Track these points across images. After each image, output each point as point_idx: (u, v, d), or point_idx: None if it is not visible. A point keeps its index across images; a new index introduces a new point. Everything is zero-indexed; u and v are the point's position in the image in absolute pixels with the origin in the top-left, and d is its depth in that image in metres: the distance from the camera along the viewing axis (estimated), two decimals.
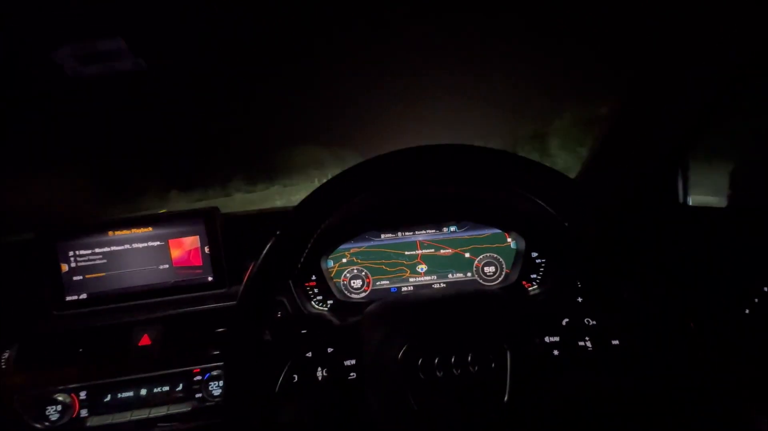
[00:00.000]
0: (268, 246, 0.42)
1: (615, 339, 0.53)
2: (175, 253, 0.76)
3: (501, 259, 0.85)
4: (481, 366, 0.46)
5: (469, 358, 0.47)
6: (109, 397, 0.70)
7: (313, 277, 0.81)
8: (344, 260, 0.84)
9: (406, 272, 0.85)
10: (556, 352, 0.53)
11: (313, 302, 0.80)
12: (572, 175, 0.90)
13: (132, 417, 0.70)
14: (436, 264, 0.85)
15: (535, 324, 0.55)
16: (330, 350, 0.51)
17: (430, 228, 0.85)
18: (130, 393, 0.71)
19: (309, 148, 0.99)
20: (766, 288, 0.64)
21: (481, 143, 0.46)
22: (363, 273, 0.84)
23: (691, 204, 0.81)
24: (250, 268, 0.44)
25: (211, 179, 1.02)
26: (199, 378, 0.71)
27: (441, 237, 0.85)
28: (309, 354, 0.50)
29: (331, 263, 0.84)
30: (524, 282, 0.82)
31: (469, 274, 0.86)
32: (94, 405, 0.70)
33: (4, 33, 0.64)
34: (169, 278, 0.76)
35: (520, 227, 0.83)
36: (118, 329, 0.72)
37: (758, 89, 0.69)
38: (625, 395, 0.53)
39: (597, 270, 0.59)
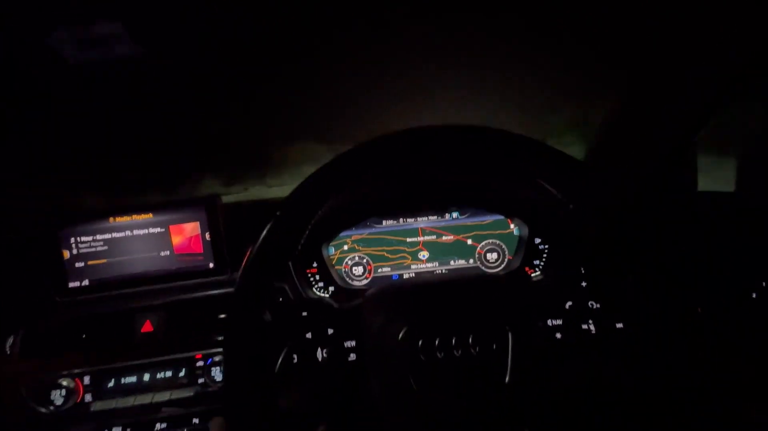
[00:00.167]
0: (267, 226, 0.42)
1: (619, 323, 0.53)
2: (176, 240, 0.76)
3: (503, 246, 0.85)
4: (483, 347, 0.46)
5: (470, 340, 0.46)
6: (112, 382, 0.71)
7: (315, 264, 0.81)
8: (345, 247, 0.84)
9: (408, 259, 0.85)
10: (558, 335, 0.53)
11: (314, 289, 0.80)
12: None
13: (135, 402, 0.70)
14: (438, 251, 0.85)
15: (537, 307, 0.54)
16: (330, 331, 0.51)
17: (432, 215, 0.84)
18: (134, 379, 0.71)
19: (312, 145, 0.99)
20: (765, 283, 0.63)
21: None
22: (364, 261, 0.84)
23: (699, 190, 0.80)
24: (249, 250, 0.44)
25: (213, 173, 1.02)
26: (201, 363, 0.72)
27: (443, 223, 0.85)
28: (309, 335, 0.50)
29: (332, 250, 0.83)
30: (527, 269, 0.82)
31: (471, 261, 0.85)
32: (98, 389, 0.70)
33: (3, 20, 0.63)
34: (170, 265, 0.76)
35: (522, 213, 0.82)
36: (121, 315, 0.73)
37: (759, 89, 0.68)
38: (626, 382, 0.52)
39: (602, 254, 0.58)
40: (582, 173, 0.45)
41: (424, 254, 0.85)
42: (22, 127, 0.82)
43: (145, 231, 0.76)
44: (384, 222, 0.84)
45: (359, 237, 0.84)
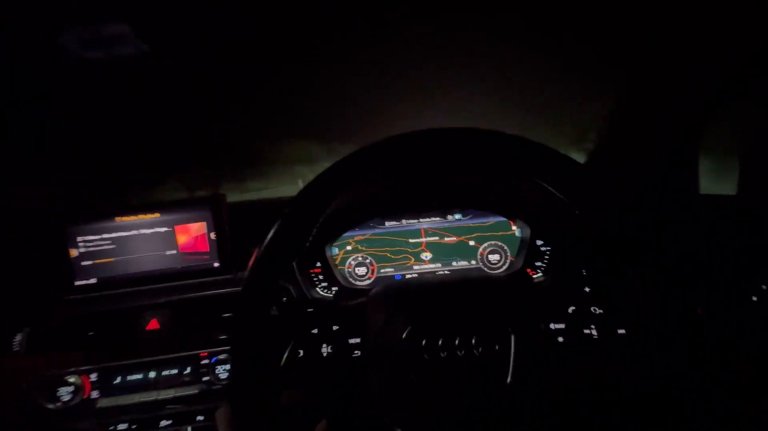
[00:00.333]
0: (275, 225, 0.42)
1: (621, 329, 0.53)
2: (182, 239, 0.77)
3: (506, 247, 0.85)
4: (485, 348, 0.47)
5: (473, 340, 0.47)
6: (119, 379, 0.72)
7: (318, 264, 0.82)
8: (349, 247, 0.84)
9: (411, 260, 0.85)
10: (560, 339, 0.53)
11: (317, 289, 0.81)
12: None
13: (141, 399, 0.71)
14: (441, 252, 0.86)
15: (540, 310, 0.55)
16: (335, 328, 0.51)
17: (435, 216, 0.85)
18: (140, 376, 0.72)
19: (316, 145, 0.99)
20: (765, 286, 0.64)
21: None
22: (367, 261, 0.85)
23: (701, 193, 0.81)
24: (257, 249, 0.44)
25: (218, 173, 1.03)
26: (206, 361, 0.72)
27: (445, 225, 0.85)
28: (314, 331, 0.51)
29: (335, 250, 0.84)
30: (529, 270, 0.82)
31: (473, 262, 0.86)
32: (105, 386, 0.71)
33: (8, 20, 0.64)
34: (176, 264, 0.77)
35: (525, 215, 0.82)
36: (127, 313, 0.74)
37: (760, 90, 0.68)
38: (626, 387, 0.53)
39: (606, 258, 0.59)
40: (583, 176, 0.45)
41: (426, 255, 0.85)
42: (29, 126, 0.83)
43: (151, 230, 0.76)
44: (387, 223, 0.85)
45: (362, 237, 0.84)
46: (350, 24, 0.71)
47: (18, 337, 0.73)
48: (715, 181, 0.80)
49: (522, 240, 0.84)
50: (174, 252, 0.77)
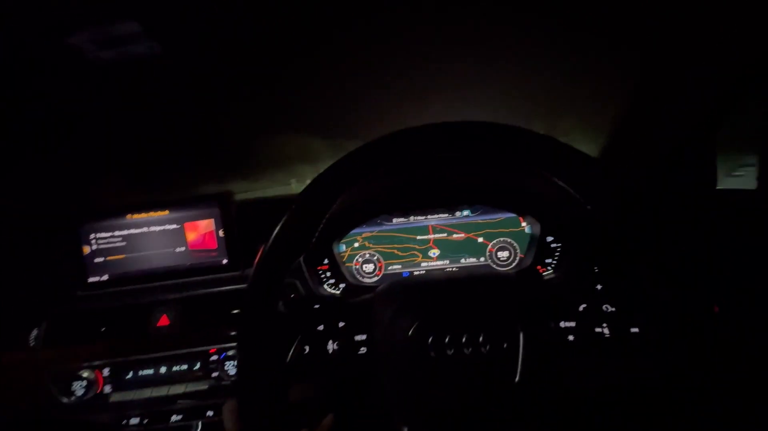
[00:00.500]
0: (281, 222, 0.42)
1: (635, 327, 0.52)
2: (191, 236, 0.78)
3: (515, 244, 0.84)
4: (493, 346, 0.46)
5: (481, 338, 0.46)
6: (130, 374, 0.73)
7: (326, 261, 0.82)
8: (356, 244, 0.84)
9: (418, 257, 0.85)
10: (571, 337, 0.52)
11: (325, 286, 0.81)
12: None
13: (152, 394, 0.72)
14: (449, 249, 0.85)
15: (549, 308, 0.54)
16: (341, 325, 0.51)
17: (443, 213, 0.84)
18: (151, 371, 0.73)
19: (320, 141, 0.99)
20: None
21: None
22: (375, 258, 0.84)
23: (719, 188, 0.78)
24: (263, 246, 0.44)
25: (226, 170, 1.04)
26: (215, 357, 0.73)
27: (453, 221, 0.84)
28: (321, 328, 0.51)
29: (343, 247, 0.84)
30: (539, 267, 0.81)
31: (482, 259, 0.85)
32: (117, 381, 0.73)
33: (18, 20, 0.66)
34: (185, 260, 0.78)
35: (534, 211, 0.81)
36: (138, 309, 0.75)
37: None
38: (633, 383, 0.52)
39: (619, 255, 0.57)
40: (596, 171, 0.44)
41: (434, 252, 0.85)
42: (45, 128, 0.85)
43: (161, 227, 0.77)
44: (394, 219, 0.84)
45: (370, 234, 0.84)
46: (354, 21, 0.70)
47: (34, 332, 0.75)
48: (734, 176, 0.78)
49: (532, 236, 0.83)
50: (183, 249, 0.78)
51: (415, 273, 0.85)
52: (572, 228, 0.78)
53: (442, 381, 0.45)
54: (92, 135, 0.89)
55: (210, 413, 0.74)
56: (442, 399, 0.45)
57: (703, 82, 0.68)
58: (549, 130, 0.99)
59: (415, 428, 0.45)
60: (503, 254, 0.84)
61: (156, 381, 0.73)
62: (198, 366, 0.73)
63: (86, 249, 0.77)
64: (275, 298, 0.46)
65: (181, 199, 0.78)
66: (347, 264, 0.84)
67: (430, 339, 0.46)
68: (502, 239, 0.84)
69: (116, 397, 0.72)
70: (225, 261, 0.78)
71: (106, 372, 0.73)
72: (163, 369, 0.73)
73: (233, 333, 0.73)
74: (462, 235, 0.84)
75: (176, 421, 0.74)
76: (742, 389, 0.51)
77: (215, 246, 0.78)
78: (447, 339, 0.46)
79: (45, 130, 0.84)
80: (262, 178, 1.06)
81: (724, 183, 0.78)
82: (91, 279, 0.77)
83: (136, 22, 0.68)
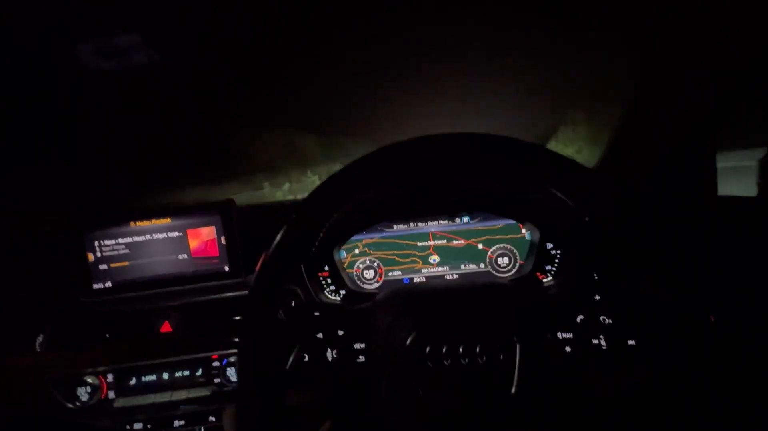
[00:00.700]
0: (282, 230, 0.43)
1: (631, 340, 0.52)
2: (193, 244, 0.79)
3: (515, 250, 0.84)
4: (490, 357, 0.46)
5: (478, 349, 0.47)
6: (134, 380, 0.74)
7: (326, 267, 0.82)
8: (357, 251, 0.85)
9: (419, 263, 0.85)
10: (568, 349, 0.52)
11: (325, 292, 0.82)
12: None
13: (155, 400, 0.73)
14: (449, 256, 0.85)
15: (547, 318, 0.54)
16: (340, 333, 0.52)
17: (443, 219, 0.85)
18: (154, 377, 0.74)
19: (323, 148, 1.00)
20: None
21: None
22: (375, 264, 0.85)
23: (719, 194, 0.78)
24: (264, 253, 0.45)
25: (230, 174, 1.05)
26: (217, 364, 0.74)
27: (453, 228, 0.85)
28: (320, 336, 0.52)
29: (343, 254, 0.85)
30: (538, 274, 0.81)
31: (482, 265, 0.85)
32: (121, 387, 0.74)
33: (27, 29, 0.67)
34: (187, 267, 0.79)
35: (534, 218, 0.81)
36: (142, 315, 0.76)
37: None
38: (631, 394, 0.52)
39: (616, 265, 0.58)
40: (593, 180, 0.44)
41: (434, 258, 0.85)
42: (50, 136, 0.86)
43: (164, 235, 0.78)
44: (395, 226, 0.85)
45: (370, 241, 0.85)
46: (357, 25, 0.71)
47: (40, 338, 0.76)
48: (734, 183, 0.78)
49: (531, 243, 0.83)
50: (186, 256, 0.79)
51: (416, 279, 0.85)
52: (571, 235, 0.78)
53: (439, 390, 0.46)
54: (98, 143, 0.90)
55: (212, 419, 0.75)
56: (438, 409, 0.46)
57: (703, 82, 0.67)
58: (548, 134, 1.00)
59: None
60: (503, 260, 0.84)
61: (159, 386, 0.74)
62: (200, 372, 0.74)
63: (90, 257, 0.78)
64: (275, 306, 0.46)
65: (183, 206, 0.79)
66: (348, 271, 0.85)
67: (427, 349, 0.47)
68: (501, 246, 0.84)
69: (120, 403, 0.73)
70: (227, 268, 0.79)
71: (110, 377, 0.74)
72: (166, 375, 0.74)
73: (235, 340, 0.74)
74: (462, 242, 0.85)
75: (179, 427, 0.75)
76: (742, 389, 0.51)
77: (217, 253, 0.78)
78: (444, 350, 0.47)
79: (49, 138, 0.85)
80: (265, 183, 1.07)
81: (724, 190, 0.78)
82: (96, 286, 0.78)
83: (134, 30, 0.69)
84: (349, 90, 0.84)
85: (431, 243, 0.85)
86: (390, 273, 0.85)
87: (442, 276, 0.85)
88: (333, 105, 0.89)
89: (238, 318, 0.75)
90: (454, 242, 0.85)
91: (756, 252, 0.67)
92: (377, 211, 0.83)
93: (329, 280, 0.82)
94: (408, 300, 0.54)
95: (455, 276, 0.85)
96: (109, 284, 0.78)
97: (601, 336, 0.50)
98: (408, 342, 0.48)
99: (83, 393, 0.73)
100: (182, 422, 0.75)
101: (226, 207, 0.78)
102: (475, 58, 0.79)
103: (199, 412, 0.75)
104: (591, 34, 0.75)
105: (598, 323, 0.51)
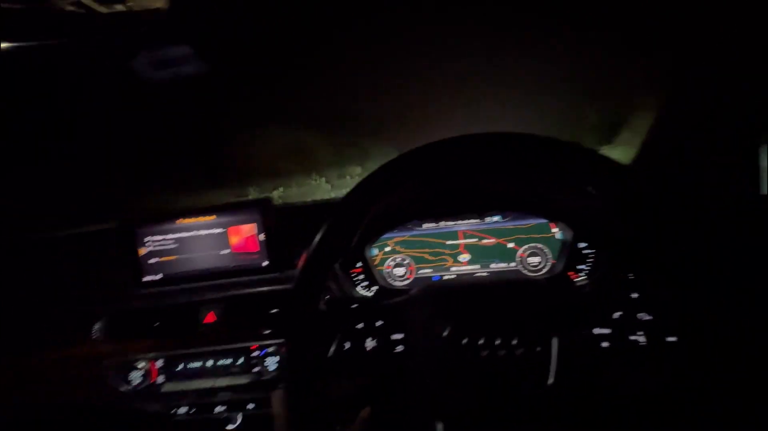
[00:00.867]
0: (323, 227, 0.46)
1: (672, 337, 0.51)
2: (234, 240, 0.83)
3: (546, 250, 0.84)
4: (526, 349, 0.47)
5: (515, 341, 0.48)
6: (181, 366, 0.79)
7: (359, 264, 0.85)
8: (388, 248, 0.87)
9: (449, 261, 0.87)
10: (605, 344, 0.52)
11: (358, 288, 0.84)
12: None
13: (199, 386, 0.78)
14: (479, 254, 0.86)
15: (583, 315, 0.54)
16: (379, 323, 0.54)
17: (473, 218, 0.86)
18: (198, 364, 0.79)
19: (356, 148, 1.02)
20: None
21: None
22: (406, 262, 0.87)
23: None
24: (307, 249, 0.48)
25: (267, 176, 1.10)
26: (256, 353, 0.78)
27: (483, 226, 0.86)
28: (360, 326, 0.54)
29: (375, 251, 0.87)
30: (570, 273, 0.81)
31: (512, 264, 0.85)
32: (169, 372, 0.79)
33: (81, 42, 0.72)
34: (229, 262, 0.83)
35: (566, 217, 0.81)
36: (188, 307, 0.81)
37: None
38: (658, 393, 0.51)
39: (654, 263, 0.57)
40: (631, 178, 0.44)
41: (464, 256, 0.86)
42: (105, 137, 0.93)
43: (208, 231, 0.83)
44: (424, 225, 0.86)
45: (401, 239, 0.87)
46: (375, 24, 0.72)
47: (97, 326, 0.83)
48: None
49: (563, 242, 0.83)
50: (227, 251, 0.83)
51: (446, 277, 0.87)
52: (606, 235, 0.77)
53: (476, 380, 0.47)
54: (150, 147, 0.97)
55: (251, 406, 0.79)
56: (476, 398, 0.47)
57: (744, 80, 0.66)
58: (580, 135, 0.99)
59: (450, 424, 0.47)
60: (534, 260, 0.84)
61: (203, 373, 0.79)
62: (241, 360, 0.78)
63: (141, 251, 0.84)
64: (319, 297, 0.49)
65: (225, 205, 0.84)
66: (379, 268, 0.87)
67: (464, 341, 0.48)
68: (532, 245, 0.84)
69: (167, 387, 0.79)
70: (266, 263, 0.83)
71: (159, 363, 0.79)
72: (209, 363, 0.79)
73: (273, 331, 0.78)
74: (492, 240, 0.86)
75: (220, 412, 0.80)
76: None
77: (257, 249, 0.83)
78: (481, 342, 0.48)
79: (106, 144, 0.93)
80: (301, 182, 1.10)
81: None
82: (146, 279, 0.84)
83: (188, 43, 0.74)
84: (385, 93, 0.86)
85: (461, 241, 0.86)
86: (420, 271, 0.87)
87: (472, 274, 0.86)
88: (360, 111, 0.92)
89: (275, 310, 0.79)
90: (484, 241, 0.86)
91: None
92: (409, 211, 0.85)
93: (361, 277, 0.85)
94: (444, 295, 0.55)
95: (485, 275, 0.86)
96: (158, 276, 0.84)
97: (640, 332, 0.50)
98: (445, 334, 0.49)
99: (136, 377, 0.78)
100: (223, 408, 0.79)
101: (265, 205, 0.82)
102: (497, 59, 0.79)
103: (239, 399, 0.79)
104: (623, 34, 0.75)
105: (636, 319, 0.51)
